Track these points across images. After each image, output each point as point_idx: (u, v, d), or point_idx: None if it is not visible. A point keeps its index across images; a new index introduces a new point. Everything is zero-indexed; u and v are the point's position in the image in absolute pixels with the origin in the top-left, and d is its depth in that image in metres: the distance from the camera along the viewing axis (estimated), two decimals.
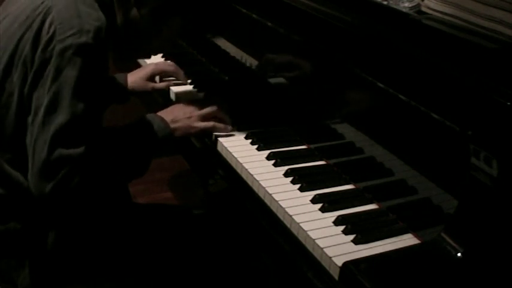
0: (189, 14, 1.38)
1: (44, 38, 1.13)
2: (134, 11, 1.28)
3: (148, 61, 1.90)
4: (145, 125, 1.33)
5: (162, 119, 1.36)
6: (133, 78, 1.65)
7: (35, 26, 1.15)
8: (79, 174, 1.14)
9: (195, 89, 1.72)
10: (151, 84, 1.68)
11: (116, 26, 1.28)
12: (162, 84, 1.70)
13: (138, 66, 1.85)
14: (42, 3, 1.17)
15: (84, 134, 1.16)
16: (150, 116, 1.36)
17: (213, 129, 1.42)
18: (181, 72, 1.70)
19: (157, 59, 1.90)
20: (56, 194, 1.14)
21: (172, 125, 1.36)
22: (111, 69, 1.34)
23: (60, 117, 1.12)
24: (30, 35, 1.15)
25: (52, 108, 1.12)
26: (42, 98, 1.13)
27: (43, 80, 1.13)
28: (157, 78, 1.71)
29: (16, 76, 1.16)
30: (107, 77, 1.26)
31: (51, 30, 1.13)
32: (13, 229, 1.26)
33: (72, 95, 1.12)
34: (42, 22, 1.14)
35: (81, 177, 1.15)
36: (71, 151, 1.13)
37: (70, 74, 1.12)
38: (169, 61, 1.82)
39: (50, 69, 1.12)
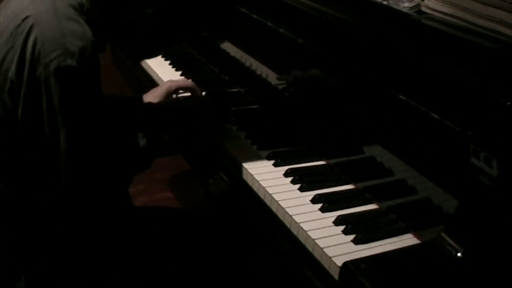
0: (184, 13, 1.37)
1: (29, 61, 1.10)
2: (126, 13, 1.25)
3: (149, 62, 1.90)
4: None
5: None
6: (149, 99, 1.59)
7: (18, 46, 1.11)
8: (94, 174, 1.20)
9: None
10: None
11: (109, 28, 1.26)
12: None
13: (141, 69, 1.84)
14: (24, 20, 1.12)
15: (90, 150, 1.17)
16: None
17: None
18: (197, 88, 1.61)
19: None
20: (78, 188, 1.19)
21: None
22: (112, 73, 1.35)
23: (63, 145, 1.13)
24: (13, 55, 1.11)
25: (54, 136, 1.12)
26: (41, 128, 1.12)
27: (37, 109, 1.11)
28: (174, 96, 1.63)
29: (4, 98, 1.14)
30: (100, 92, 1.23)
31: (36, 53, 1.09)
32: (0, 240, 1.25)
33: (65, 121, 1.12)
34: (25, 42, 1.10)
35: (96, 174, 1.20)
36: (84, 168, 1.17)
37: (59, 100, 1.10)
38: (184, 78, 1.77)
39: (42, 98, 1.10)
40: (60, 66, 1.09)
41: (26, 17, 1.12)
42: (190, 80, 1.66)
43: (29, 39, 1.10)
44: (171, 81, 1.62)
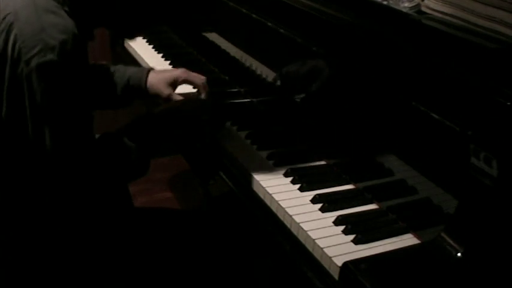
0: None
1: (10, 59, 1.08)
2: None
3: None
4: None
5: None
6: (155, 78, 1.55)
7: (0, 45, 1.09)
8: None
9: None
10: (169, 91, 1.53)
11: (92, 14, 1.23)
12: (179, 98, 1.54)
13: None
14: (4, 18, 1.10)
15: (77, 147, 1.16)
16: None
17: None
18: (205, 86, 1.54)
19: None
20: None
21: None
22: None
23: (49, 143, 1.11)
24: None
25: (39, 134, 1.11)
26: (26, 126, 1.11)
27: (20, 108, 1.10)
28: (178, 88, 1.57)
29: None
30: (86, 82, 1.20)
31: (16, 50, 1.07)
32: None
33: (49, 117, 1.11)
34: (6, 41, 1.08)
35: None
36: (72, 166, 1.16)
37: (42, 96, 1.09)
38: (200, 75, 1.62)
39: (24, 96, 1.09)
40: (41, 62, 1.07)
41: (7, 15, 1.10)
42: (203, 77, 1.56)
43: (10, 37, 1.08)
44: (182, 71, 1.57)
